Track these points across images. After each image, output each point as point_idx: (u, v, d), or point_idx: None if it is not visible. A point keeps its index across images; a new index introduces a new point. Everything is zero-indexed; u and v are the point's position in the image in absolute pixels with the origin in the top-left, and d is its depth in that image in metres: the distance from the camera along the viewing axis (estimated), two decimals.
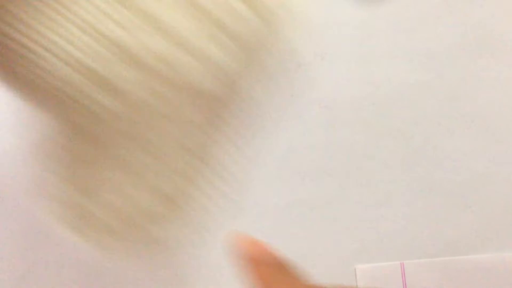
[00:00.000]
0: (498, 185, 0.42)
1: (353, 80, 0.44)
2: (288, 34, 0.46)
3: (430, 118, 0.43)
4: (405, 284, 0.41)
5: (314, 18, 0.46)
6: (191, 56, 0.39)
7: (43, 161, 0.40)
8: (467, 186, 0.42)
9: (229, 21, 0.38)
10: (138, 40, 0.33)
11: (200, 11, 0.37)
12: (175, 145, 0.40)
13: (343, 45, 0.45)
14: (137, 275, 0.42)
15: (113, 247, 0.39)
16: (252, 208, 0.43)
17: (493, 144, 0.42)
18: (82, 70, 0.32)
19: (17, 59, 0.32)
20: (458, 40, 0.44)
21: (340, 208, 0.43)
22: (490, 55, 0.43)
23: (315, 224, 0.43)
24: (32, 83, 0.32)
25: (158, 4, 0.33)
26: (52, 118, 0.36)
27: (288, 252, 0.43)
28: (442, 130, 0.43)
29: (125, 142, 0.36)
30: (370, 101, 0.44)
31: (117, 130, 0.35)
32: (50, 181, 0.39)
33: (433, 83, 0.44)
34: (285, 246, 0.43)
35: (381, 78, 0.44)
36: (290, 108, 0.45)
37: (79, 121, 0.34)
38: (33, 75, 0.32)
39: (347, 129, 0.44)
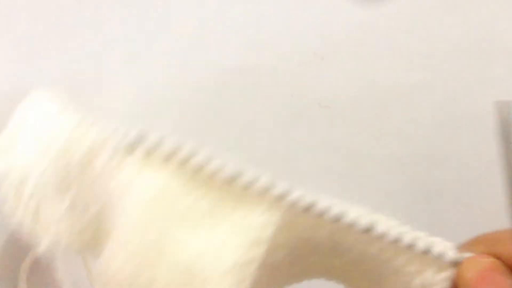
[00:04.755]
0: (498, 185, 0.42)
1: (353, 80, 0.44)
2: (288, 34, 0.46)
3: (430, 118, 0.43)
4: None
5: (314, 18, 0.46)
6: None
7: None
8: (467, 186, 0.42)
9: None
10: None
11: None
12: None
13: (343, 45, 0.45)
14: None
15: None
16: None
17: (493, 144, 0.42)
18: None
19: None
20: (458, 40, 0.44)
21: None
22: (490, 55, 0.43)
23: None
24: None
25: None
26: None
27: None
28: (442, 130, 0.43)
29: None
30: (370, 101, 0.44)
31: None
32: None
33: (433, 83, 0.44)
34: None
35: (381, 78, 0.44)
36: (290, 108, 0.45)
37: None
38: None
39: (347, 129, 0.44)
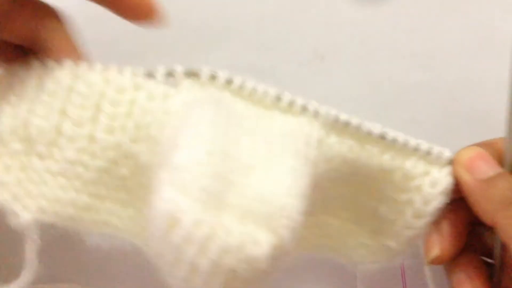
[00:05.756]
0: None
1: (353, 80, 0.44)
2: (288, 34, 0.46)
3: (430, 118, 0.43)
4: (405, 284, 0.41)
5: (314, 18, 0.46)
6: None
7: None
8: None
9: None
10: None
11: None
12: None
13: (343, 45, 0.45)
14: None
15: None
16: None
17: None
18: None
19: None
20: (458, 40, 0.44)
21: None
22: (490, 55, 0.43)
23: None
24: None
25: None
26: None
27: None
28: (442, 130, 0.43)
29: None
30: (370, 101, 0.44)
31: None
32: None
33: (433, 83, 0.44)
34: None
35: (381, 78, 0.44)
36: None
37: None
38: None
39: None
